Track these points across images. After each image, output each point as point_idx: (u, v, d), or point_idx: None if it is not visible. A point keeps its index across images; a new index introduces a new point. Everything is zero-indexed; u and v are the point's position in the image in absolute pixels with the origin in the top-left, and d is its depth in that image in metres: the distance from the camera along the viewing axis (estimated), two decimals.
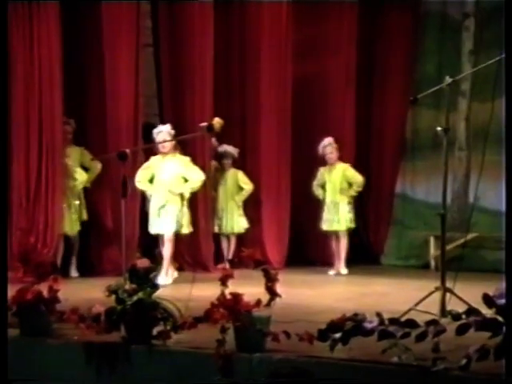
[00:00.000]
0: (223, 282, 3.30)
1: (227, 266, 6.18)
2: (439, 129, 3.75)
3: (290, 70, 7.08)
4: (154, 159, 6.13)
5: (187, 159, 6.13)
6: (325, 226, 6.84)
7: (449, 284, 3.91)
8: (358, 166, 7.67)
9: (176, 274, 6.07)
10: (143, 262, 3.39)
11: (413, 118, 7.82)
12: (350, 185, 6.89)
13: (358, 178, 6.86)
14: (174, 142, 5.98)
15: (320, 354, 3.19)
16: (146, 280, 3.33)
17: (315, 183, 6.95)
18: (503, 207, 7.12)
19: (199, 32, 6.64)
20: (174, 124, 6.50)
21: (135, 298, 3.27)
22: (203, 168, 6.71)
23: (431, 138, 7.61)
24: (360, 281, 6.25)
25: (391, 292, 5.53)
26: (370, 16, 7.66)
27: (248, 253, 3.45)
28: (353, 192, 6.89)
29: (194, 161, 6.71)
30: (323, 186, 6.90)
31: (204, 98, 6.65)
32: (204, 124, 4.29)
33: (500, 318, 2.85)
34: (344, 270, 6.72)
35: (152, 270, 3.39)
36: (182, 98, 6.70)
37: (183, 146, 6.60)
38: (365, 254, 7.68)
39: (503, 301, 2.86)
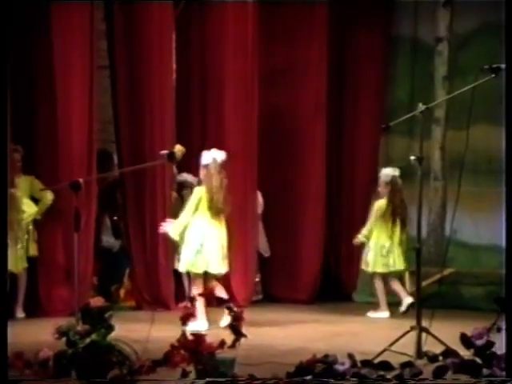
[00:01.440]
0: (184, 321, 3.27)
1: (189, 304, 6.14)
2: (413, 158, 3.81)
3: (256, 97, 7.13)
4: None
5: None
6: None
7: (425, 323, 3.93)
8: (329, 198, 7.74)
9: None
10: (97, 301, 3.34)
11: (386, 147, 7.93)
12: None
13: None
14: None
15: None
16: (100, 320, 3.28)
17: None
18: (481, 240, 7.30)
19: (158, 54, 6.66)
20: (132, 152, 6.50)
21: (88, 340, 3.21)
22: (164, 199, 6.70)
23: (404, 168, 7.74)
24: (330, 319, 6.25)
25: (364, 331, 5.54)
26: (340, 40, 7.78)
27: (209, 289, 3.43)
28: None
29: (154, 191, 6.70)
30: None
31: (164, 125, 6.65)
32: (165, 152, 4.28)
33: (478, 360, 2.87)
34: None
35: (107, 310, 3.34)
36: (140, 124, 6.68)
37: (142, 174, 6.58)
38: (336, 291, 7.68)
39: (482, 341, 2.89)
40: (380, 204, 6.69)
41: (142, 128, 6.67)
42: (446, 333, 3.74)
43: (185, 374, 3.14)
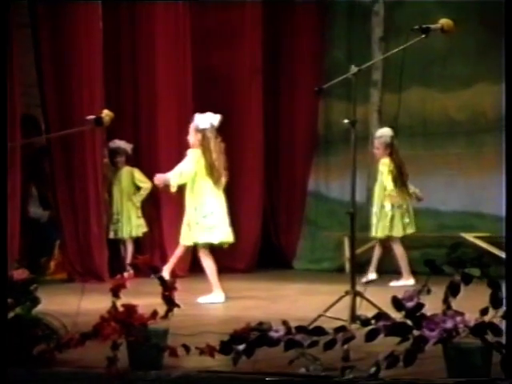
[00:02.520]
0: (115, 292, 3.27)
1: (129, 273, 6.12)
2: (346, 121, 3.86)
3: (189, 59, 7.08)
4: None
5: None
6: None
7: (361, 287, 4.03)
8: (267, 163, 7.78)
9: None
10: (21, 273, 3.30)
11: (324, 111, 8.00)
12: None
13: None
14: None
15: (223, 368, 3.22)
16: (24, 293, 3.25)
17: None
18: (417, 204, 7.46)
19: (84, 13, 6.52)
20: (59, 117, 6.38)
21: (12, 313, 3.18)
22: (95, 166, 6.61)
23: (344, 132, 7.83)
24: (269, 287, 6.33)
25: (302, 298, 5.64)
26: (275, 1, 7.76)
27: (143, 259, 3.43)
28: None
29: (84, 158, 6.61)
30: None
31: (93, 88, 6.55)
32: (91, 117, 4.21)
33: (409, 322, 2.97)
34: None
35: (32, 282, 3.31)
36: (67, 87, 6.56)
37: (71, 141, 6.47)
38: (275, 258, 7.78)
39: (412, 303, 2.98)
40: (386, 163, 6.41)
41: (69, 92, 6.55)
42: (382, 297, 3.84)
43: (115, 346, 3.15)
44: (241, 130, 7.51)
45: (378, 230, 6.44)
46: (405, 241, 7.26)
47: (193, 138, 5.57)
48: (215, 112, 7.53)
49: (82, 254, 6.59)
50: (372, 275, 6.41)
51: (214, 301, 5.39)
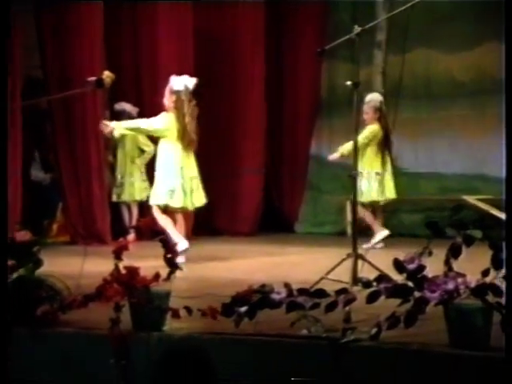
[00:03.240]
0: (117, 255, 3.28)
1: (132, 236, 6.15)
2: (349, 83, 3.83)
3: (190, 21, 7.01)
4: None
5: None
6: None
7: (363, 250, 4.05)
8: (270, 127, 7.75)
9: None
10: (24, 235, 3.32)
11: (328, 73, 7.93)
12: None
13: None
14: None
15: (225, 330, 3.25)
16: (27, 255, 3.27)
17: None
18: (420, 167, 7.44)
19: None
20: (60, 79, 6.34)
21: (15, 275, 3.21)
22: (96, 129, 6.59)
23: (347, 94, 7.77)
24: (271, 250, 6.36)
25: (304, 261, 5.67)
26: None
27: (145, 222, 3.44)
28: None
29: (85, 121, 6.59)
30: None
31: (93, 50, 6.50)
32: (92, 78, 4.17)
33: (410, 284, 2.99)
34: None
35: (34, 244, 3.33)
36: (68, 48, 6.51)
37: (73, 103, 6.44)
38: (278, 222, 7.80)
39: (414, 265, 2.99)
40: (375, 129, 6.38)
41: (69, 53, 6.50)
42: (384, 259, 3.86)
43: (118, 308, 3.18)
44: (243, 93, 7.48)
45: (367, 194, 6.42)
46: (407, 204, 7.29)
47: (167, 100, 5.50)
48: (218, 77, 7.52)
49: (84, 216, 6.61)
50: (384, 232, 6.37)
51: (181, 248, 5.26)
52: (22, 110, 6.23)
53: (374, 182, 6.37)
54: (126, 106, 6.92)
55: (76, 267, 3.75)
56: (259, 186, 7.66)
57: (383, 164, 6.37)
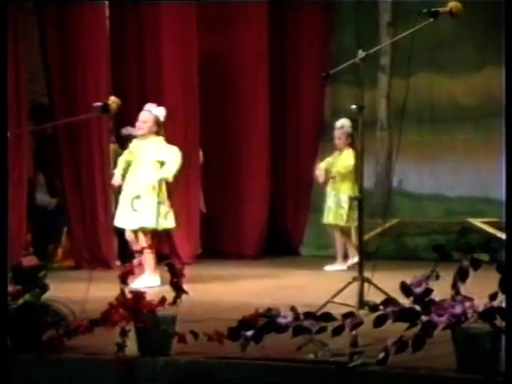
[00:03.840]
0: (123, 279, 3.28)
1: (138, 261, 6.13)
2: (354, 107, 3.85)
3: (195, 45, 7.06)
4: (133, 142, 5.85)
5: (161, 139, 5.76)
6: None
7: (368, 274, 4.03)
8: (273, 149, 7.78)
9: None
10: (30, 260, 3.32)
11: (332, 97, 7.97)
12: None
13: None
14: (150, 122, 5.68)
15: (231, 354, 3.23)
16: (33, 280, 3.26)
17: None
18: (425, 190, 7.43)
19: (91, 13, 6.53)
20: (65, 105, 6.38)
21: (21, 300, 3.20)
22: (101, 153, 6.63)
23: (353, 118, 7.80)
24: (277, 273, 6.34)
25: (309, 284, 5.65)
26: None
27: (153, 245, 3.44)
28: None
29: (90, 146, 6.62)
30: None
31: (99, 75, 6.55)
32: (98, 104, 4.21)
33: (417, 307, 2.97)
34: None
35: (40, 269, 3.33)
36: (73, 75, 6.56)
37: (78, 128, 6.48)
38: (282, 245, 7.79)
39: (421, 289, 2.98)
40: (351, 156, 6.55)
41: (74, 79, 6.55)
42: (389, 283, 3.85)
43: (124, 333, 3.17)
44: (247, 116, 7.51)
45: (337, 217, 6.57)
46: (412, 227, 7.28)
47: (151, 126, 5.69)
48: (222, 98, 7.56)
49: (89, 241, 6.61)
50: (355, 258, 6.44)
51: (151, 284, 5.28)
52: (27, 135, 6.27)
53: (340, 207, 6.50)
54: (133, 130, 6.93)
55: (81, 292, 3.75)
56: (264, 209, 7.67)
57: (353, 189, 6.45)
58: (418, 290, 2.99)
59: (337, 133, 6.63)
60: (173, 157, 5.70)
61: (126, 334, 3.21)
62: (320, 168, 6.80)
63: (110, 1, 7.02)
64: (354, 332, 3.24)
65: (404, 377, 3.00)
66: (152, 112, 5.75)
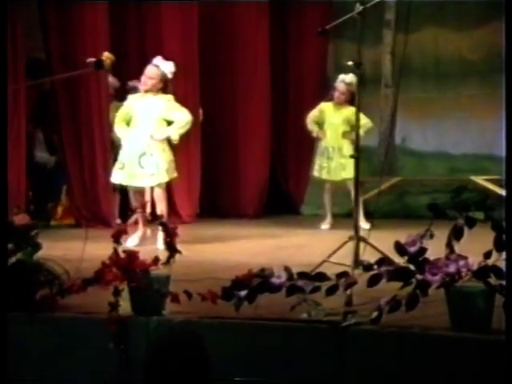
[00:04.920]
0: (116, 239, 3.28)
1: (135, 219, 6.14)
2: (350, 63, 3.78)
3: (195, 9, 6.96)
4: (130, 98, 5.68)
5: (170, 97, 5.60)
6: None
7: (365, 233, 4.01)
8: (275, 106, 7.69)
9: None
10: (22, 219, 3.31)
11: (335, 54, 7.85)
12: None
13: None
14: (157, 78, 5.49)
15: (224, 314, 3.24)
16: (25, 239, 3.26)
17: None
18: (429, 148, 7.37)
19: None
20: (63, 60, 6.30)
21: (13, 259, 3.21)
22: (100, 110, 6.57)
23: (356, 74, 7.69)
24: (276, 233, 6.32)
25: (308, 244, 5.63)
26: None
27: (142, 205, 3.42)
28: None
29: (89, 102, 6.56)
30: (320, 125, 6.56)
31: (97, 31, 6.42)
32: (92, 59, 4.14)
33: (411, 267, 2.96)
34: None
35: (33, 228, 3.32)
36: (71, 30, 6.45)
37: (76, 84, 6.41)
38: (284, 204, 7.76)
39: (415, 248, 2.97)
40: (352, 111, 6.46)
41: (73, 34, 6.44)
42: (389, 242, 3.82)
43: (117, 292, 3.18)
44: (247, 74, 7.41)
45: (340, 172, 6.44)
46: (414, 186, 7.24)
47: (157, 83, 5.53)
48: (221, 56, 7.45)
49: (88, 199, 6.58)
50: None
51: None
52: (25, 91, 6.21)
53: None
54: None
55: (79, 250, 3.74)
56: (264, 168, 7.62)
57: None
58: (413, 249, 2.98)
59: (341, 87, 6.48)
60: (183, 117, 5.59)
61: (120, 293, 3.21)
62: (312, 123, 6.65)
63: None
64: (348, 291, 3.24)
65: (397, 336, 3.01)
66: (159, 67, 5.55)
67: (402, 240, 3.07)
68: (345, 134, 6.46)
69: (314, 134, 6.70)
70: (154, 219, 3.42)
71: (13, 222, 3.28)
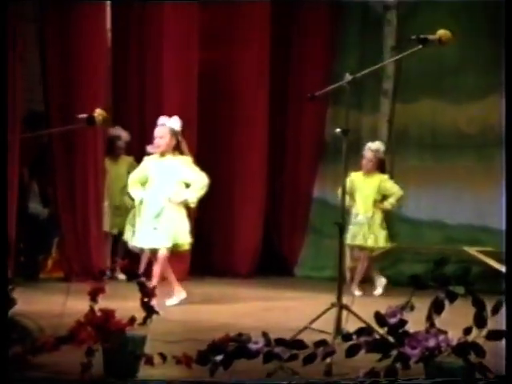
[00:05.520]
0: (92, 296, 3.20)
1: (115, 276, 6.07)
2: (338, 130, 3.77)
3: (196, 60, 7.03)
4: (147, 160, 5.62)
5: (189, 159, 5.58)
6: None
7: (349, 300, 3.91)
8: (271, 168, 7.69)
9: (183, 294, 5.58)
10: None
11: (333, 119, 7.89)
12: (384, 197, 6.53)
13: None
14: (167, 136, 5.46)
15: (200, 378, 3.13)
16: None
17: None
18: (424, 216, 7.31)
19: (91, 13, 6.50)
20: (61, 114, 6.34)
21: None
22: (96, 165, 6.57)
23: (354, 140, 7.71)
24: (267, 294, 6.24)
25: (297, 307, 5.54)
26: (285, 7, 7.65)
27: (122, 263, 3.36)
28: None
29: (85, 157, 6.56)
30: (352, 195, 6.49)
31: (97, 87, 6.48)
32: (84, 115, 4.15)
33: (391, 339, 2.88)
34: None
35: (8, 283, 3.24)
36: (71, 84, 6.49)
37: (73, 139, 6.43)
38: (277, 265, 7.67)
39: (395, 319, 2.89)
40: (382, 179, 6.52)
41: (72, 89, 6.49)
42: (379, 309, 3.74)
43: (90, 352, 3.08)
44: (245, 134, 7.43)
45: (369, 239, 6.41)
46: (409, 253, 7.16)
47: (169, 140, 5.49)
48: (220, 114, 7.48)
49: (80, 252, 6.53)
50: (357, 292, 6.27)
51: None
52: (22, 143, 6.23)
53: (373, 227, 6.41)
54: (122, 132, 6.86)
55: (67, 305, 3.64)
56: (259, 227, 7.56)
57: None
58: (392, 320, 2.90)
59: (368, 154, 6.48)
60: (200, 180, 5.55)
61: (93, 353, 3.11)
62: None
63: (113, 13, 6.99)
64: (328, 360, 3.15)
65: None
66: (166, 125, 5.54)
67: (379, 311, 2.99)
68: (375, 204, 6.44)
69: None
70: (131, 277, 3.33)
71: None
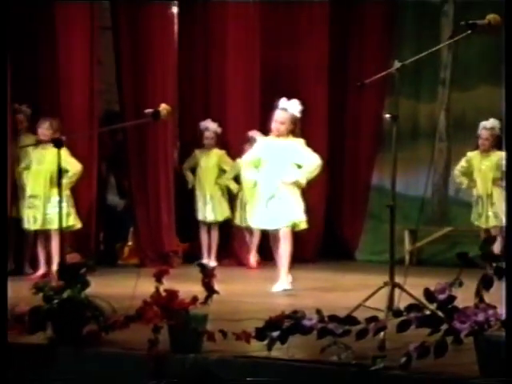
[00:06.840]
0: (158, 278, 3.25)
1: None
2: (387, 116, 3.69)
3: (258, 59, 7.03)
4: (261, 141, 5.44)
5: (302, 141, 5.37)
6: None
7: (401, 279, 3.84)
8: (331, 157, 7.64)
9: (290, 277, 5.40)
10: (73, 257, 3.33)
11: (391, 108, 7.77)
12: None
13: None
14: (288, 122, 5.27)
15: (258, 353, 3.15)
16: (76, 276, 3.27)
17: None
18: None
19: (160, 18, 6.60)
20: (135, 112, 6.46)
21: (64, 295, 3.21)
22: (166, 157, 6.67)
23: (411, 128, 7.58)
24: (328, 277, 6.20)
25: (357, 288, 5.46)
26: (344, 3, 7.57)
27: (182, 247, 3.40)
28: None
29: (156, 150, 6.67)
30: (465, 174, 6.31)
31: (166, 86, 6.61)
32: (149, 110, 4.20)
33: (440, 314, 2.81)
34: None
35: (83, 266, 3.33)
36: (142, 85, 6.64)
37: (144, 132, 6.55)
38: (338, 249, 7.63)
39: (444, 296, 2.82)
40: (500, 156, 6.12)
41: (143, 89, 6.62)
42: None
43: (156, 330, 3.13)
44: (306, 124, 7.36)
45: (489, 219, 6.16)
46: (467, 236, 6.99)
47: (288, 126, 5.30)
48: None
49: (153, 240, 6.64)
50: None
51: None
52: (100, 140, 6.42)
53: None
54: (210, 124, 6.87)
55: (139, 288, 3.71)
56: (320, 213, 7.51)
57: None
58: (441, 296, 2.83)
59: (484, 133, 6.26)
60: (313, 162, 5.35)
61: (159, 330, 3.17)
62: (460, 176, 6.38)
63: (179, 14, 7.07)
64: (381, 336, 3.11)
65: (426, 381, 2.85)
66: (288, 110, 5.31)
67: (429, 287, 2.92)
68: (495, 181, 6.19)
69: (464, 186, 6.44)
70: (192, 259, 3.36)
71: (64, 260, 3.30)
